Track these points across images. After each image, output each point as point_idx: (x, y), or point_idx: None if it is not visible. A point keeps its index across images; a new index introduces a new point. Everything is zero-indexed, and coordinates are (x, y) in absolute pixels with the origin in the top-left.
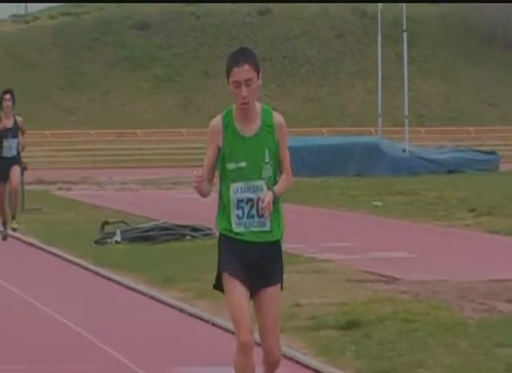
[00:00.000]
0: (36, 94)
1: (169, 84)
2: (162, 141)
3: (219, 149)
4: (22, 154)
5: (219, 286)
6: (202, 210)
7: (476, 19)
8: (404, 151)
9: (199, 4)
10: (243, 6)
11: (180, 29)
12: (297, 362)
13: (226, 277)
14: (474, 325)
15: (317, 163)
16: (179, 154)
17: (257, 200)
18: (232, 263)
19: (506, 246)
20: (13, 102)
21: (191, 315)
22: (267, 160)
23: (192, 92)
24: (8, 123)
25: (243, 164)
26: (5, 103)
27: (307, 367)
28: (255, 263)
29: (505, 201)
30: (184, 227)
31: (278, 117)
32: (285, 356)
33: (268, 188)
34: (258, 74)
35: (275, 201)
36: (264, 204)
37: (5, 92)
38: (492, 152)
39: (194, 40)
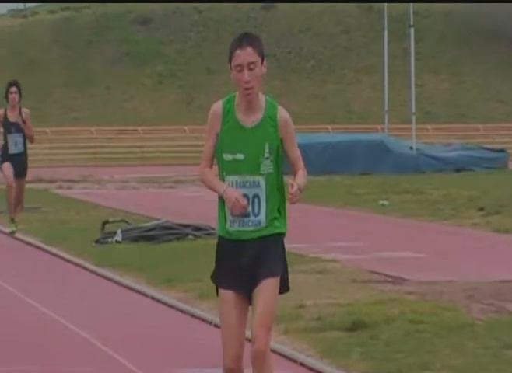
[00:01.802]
0: (36, 90)
1: (171, 80)
2: (164, 138)
3: (217, 136)
4: (31, 145)
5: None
6: (205, 209)
7: (483, 14)
8: (410, 148)
9: None
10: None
11: (183, 24)
12: (301, 364)
13: (220, 290)
14: (482, 326)
15: (322, 161)
16: (181, 151)
17: (253, 196)
18: (226, 275)
19: None
20: (20, 95)
21: (192, 316)
22: (267, 155)
23: (195, 88)
24: (13, 116)
25: (240, 156)
26: (10, 96)
27: (311, 369)
28: (253, 260)
29: None
30: (187, 226)
31: (283, 113)
32: (288, 358)
33: (268, 185)
34: (263, 61)
35: (278, 196)
36: (293, 190)
37: (11, 85)
38: (501, 150)
39: (197, 36)
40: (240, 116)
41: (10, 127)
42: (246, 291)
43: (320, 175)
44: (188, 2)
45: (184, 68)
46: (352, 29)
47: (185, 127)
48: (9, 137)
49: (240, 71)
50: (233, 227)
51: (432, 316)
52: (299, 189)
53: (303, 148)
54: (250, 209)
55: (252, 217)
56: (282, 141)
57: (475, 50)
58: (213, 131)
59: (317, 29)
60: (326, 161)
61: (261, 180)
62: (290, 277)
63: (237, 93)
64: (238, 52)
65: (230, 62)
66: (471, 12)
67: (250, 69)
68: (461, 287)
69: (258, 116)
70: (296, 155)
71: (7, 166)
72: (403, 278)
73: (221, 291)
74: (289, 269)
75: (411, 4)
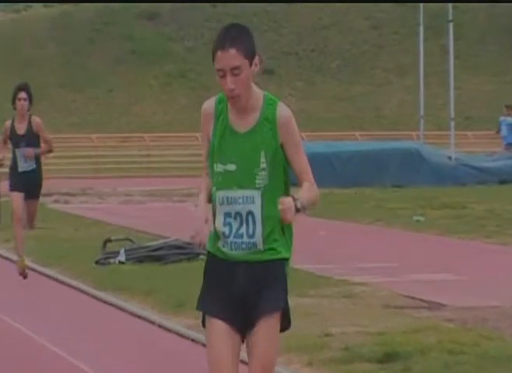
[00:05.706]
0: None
1: (181, 81)
2: (173, 146)
3: (209, 142)
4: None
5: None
6: None
7: None
8: (449, 158)
9: None
10: None
11: (195, 19)
12: None
13: (207, 319)
14: None
15: (350, 172)
16: (192, 161)
17: (247, 214)
18: (216, 301)
19: None
20: (30, 102)
21: (204, 345)
22: (262, 165)
23: (207, 90)
24: (21, 128)
25: (232, 167)
26: (19, 103)
27: None
28: (248, 288)
29: None
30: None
31: (283, 112)
32: None
33: (265, 200)
34: (252, 61)
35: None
36: (284, 206)
37: (20, 89)
38: None
39: (210, 32)
40: (232, 118)
41: (18, 141)
42: (238, 325)
43: (347, 187)
44: (197, 2)
45: (195, 68)
46: (383, 24)
47: (197, 134)
48: (17, 153)
49: (223, 76)
50: (225, 247)
51: (474, 346)
52: (300, 206)
53: (329, 156)
54: (244, 230)
55: (246, 239)
56: (282, 146)
57: None
58: (206, 136)
59: (343, 25)
60: (354, 172)
61: (256, 195)
62: (315, 301)
63: None
64: (219, 54)
65: (213, 61)
66: None
67: (235, 75)
68: (507, 314)
69: (253, 118)
70: (302, 164)
71: (16, 196)
72: (441, 303)
73: (209, 319)
74: (313, 292)
75: None
